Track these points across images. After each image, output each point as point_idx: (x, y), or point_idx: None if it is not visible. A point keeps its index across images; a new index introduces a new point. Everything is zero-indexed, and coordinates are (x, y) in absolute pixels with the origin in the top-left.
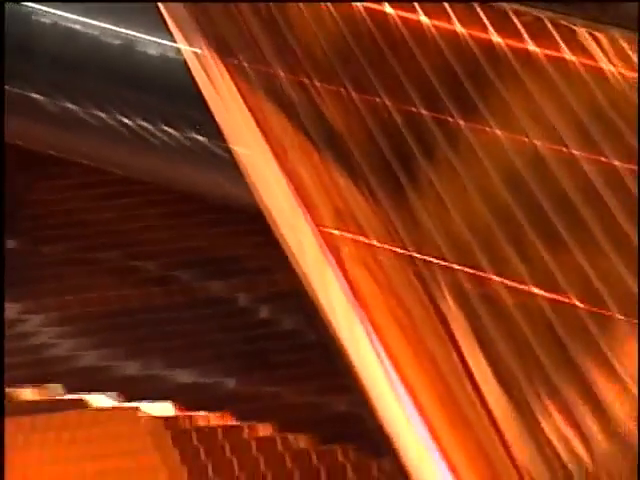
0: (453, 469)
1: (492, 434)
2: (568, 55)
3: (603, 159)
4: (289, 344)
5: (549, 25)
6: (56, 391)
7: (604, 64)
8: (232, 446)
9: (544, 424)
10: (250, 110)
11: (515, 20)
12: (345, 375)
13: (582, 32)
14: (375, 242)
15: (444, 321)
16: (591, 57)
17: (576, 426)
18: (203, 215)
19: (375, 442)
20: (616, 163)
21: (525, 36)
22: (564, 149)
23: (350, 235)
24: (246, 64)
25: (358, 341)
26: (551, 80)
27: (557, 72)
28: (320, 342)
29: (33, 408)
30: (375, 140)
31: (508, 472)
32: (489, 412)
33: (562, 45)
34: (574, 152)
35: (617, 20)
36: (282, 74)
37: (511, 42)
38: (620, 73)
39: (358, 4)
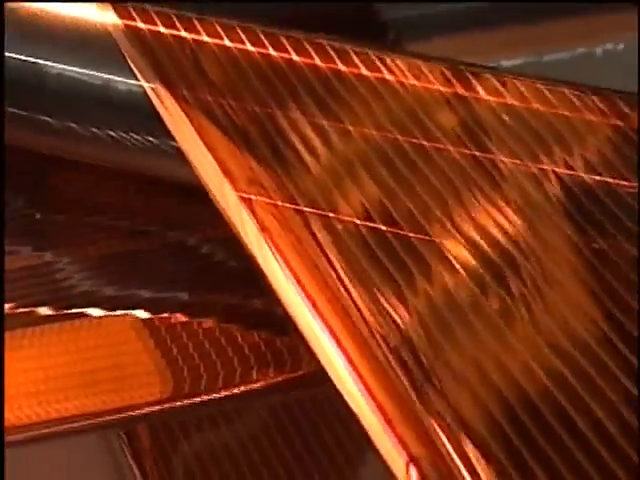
0: (324, 319)
1: (350, 301)
2: (388, 75)
3: (414, 140)
4: (221, 268)
5: (372, 57)
6: (59, 308)
7: (405, 79)
8: (187, 335)
9: (373, 306)
10: (190, 121)
11: (353, 55)
12: (260, 284)
13: (395, 62)
14: (274, 199)
15: (317, 240)
16: (399, 75)
17: (392, 304)
18: (161, 189)
19: (281, 325)
20: (424, 143)
21: (360, 64)
22: (389, 134)
23: (258, 197)
24: (185, 92)
25: (266, 259)
26: (377, 91)
27: (382, 86)
28: (242, 265)
29: (42, 320)
30: (269, 133)
31: (360, 321)
32: (347, 288)
33: (382, 68)
34: (398, 137)
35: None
36: (208, 97)
37: (352, 69)
38: (412, 84)
39: (251, 48)
